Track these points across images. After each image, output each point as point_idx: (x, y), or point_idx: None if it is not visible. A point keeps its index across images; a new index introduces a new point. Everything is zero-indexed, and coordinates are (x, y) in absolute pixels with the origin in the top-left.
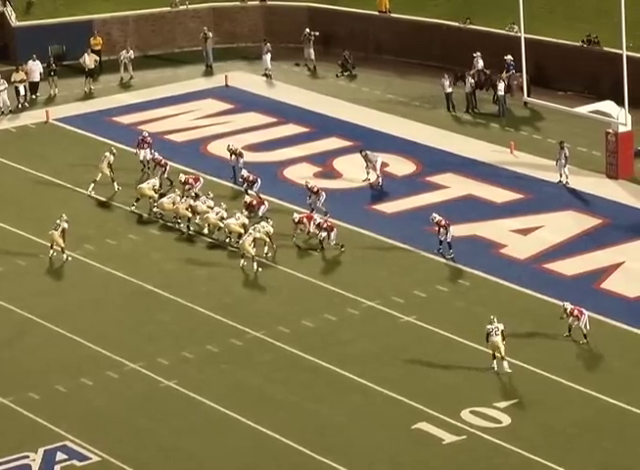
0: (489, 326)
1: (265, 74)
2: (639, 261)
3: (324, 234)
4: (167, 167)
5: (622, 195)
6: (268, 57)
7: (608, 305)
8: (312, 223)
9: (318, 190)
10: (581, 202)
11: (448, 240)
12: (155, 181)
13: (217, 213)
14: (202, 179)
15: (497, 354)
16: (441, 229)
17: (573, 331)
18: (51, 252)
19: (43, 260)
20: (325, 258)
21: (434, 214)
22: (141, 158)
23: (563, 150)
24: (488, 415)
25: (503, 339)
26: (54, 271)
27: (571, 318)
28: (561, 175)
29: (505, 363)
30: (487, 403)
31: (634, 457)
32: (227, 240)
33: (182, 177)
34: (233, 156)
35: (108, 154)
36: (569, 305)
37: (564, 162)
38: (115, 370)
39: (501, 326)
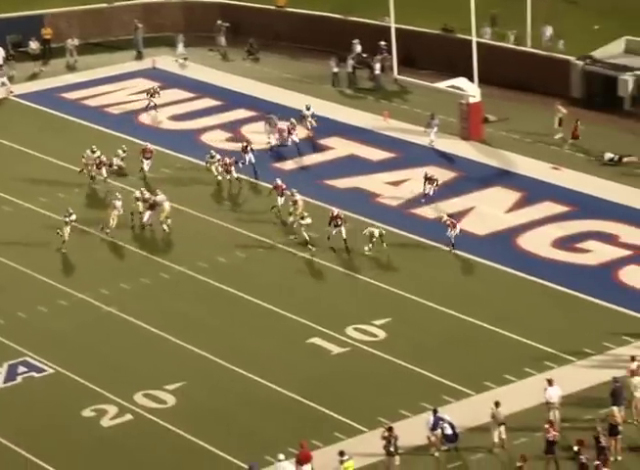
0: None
1: (180, 58)
2: (487, 207)
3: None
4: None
5: (474, 153)
6: (181, 45)
7: (464, 241)
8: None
9: (453, 223)
10: (441, 159)
11: (452, 236)
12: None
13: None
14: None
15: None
16: (450, 227)
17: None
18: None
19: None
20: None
21: (445, 216)
22: (246, 162)
23: (434, 120)
24: (368, 331)
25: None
26: None
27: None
28: (432, 140)
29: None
30: (367, 321)
31: (487, 363)
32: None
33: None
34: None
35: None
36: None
37: (435, 129)
38: (66, 300)
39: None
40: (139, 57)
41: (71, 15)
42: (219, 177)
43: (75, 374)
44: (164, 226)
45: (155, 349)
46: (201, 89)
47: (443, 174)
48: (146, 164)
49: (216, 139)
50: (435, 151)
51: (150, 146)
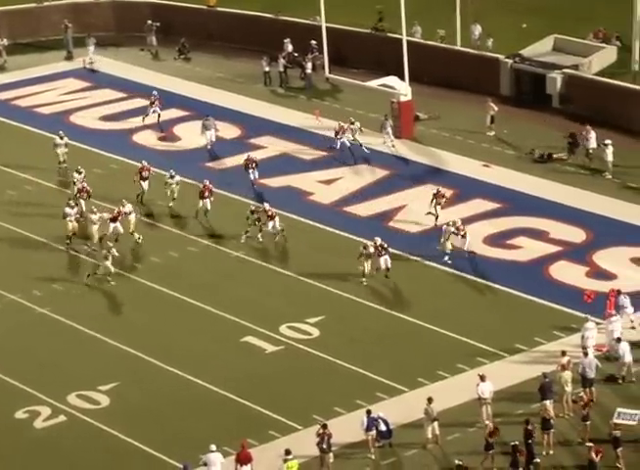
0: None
1: (90, 62)
2: (419, 204)
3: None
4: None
5: (405, 151)
6: (92, 47)
7: (395, 238)
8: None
9: (464, 231)
10: (373, 157)
11: (465, 248)
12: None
13: None
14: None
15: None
16: (460, 236)
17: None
18: None
19: None
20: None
21: (458, 222)
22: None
23: (387, 120)
24: (302, 329)
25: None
26: None
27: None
28: (392, 140)
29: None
30: (300, 320)
31: (420, 360)
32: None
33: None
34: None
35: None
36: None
37: (389, 130)
38: None
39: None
40: (69, 57)
41: (0, 15)
42: (171, 204)
43: (8, 376)
44: (136, 236)
45: (88, 349)
46: (132, 89)
47: (375, 173)
48: (146, 184)
49: (148, 139)
50: (365, 148)
51: (147, 165)
